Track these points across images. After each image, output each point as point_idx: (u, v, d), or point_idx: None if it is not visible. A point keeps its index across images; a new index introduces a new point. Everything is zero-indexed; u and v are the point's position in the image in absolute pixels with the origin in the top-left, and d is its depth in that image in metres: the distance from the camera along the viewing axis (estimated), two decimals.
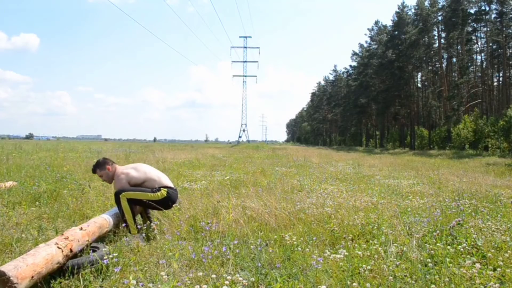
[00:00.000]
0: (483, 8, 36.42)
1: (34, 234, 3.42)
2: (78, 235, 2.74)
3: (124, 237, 3.14)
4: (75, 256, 2.63)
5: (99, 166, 3.72)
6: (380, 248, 2.83)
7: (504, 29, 33.55)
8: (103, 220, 3.29)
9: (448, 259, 2.61)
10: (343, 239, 3.21)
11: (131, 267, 2.60)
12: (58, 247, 2.44)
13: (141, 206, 3.68)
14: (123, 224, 3.38)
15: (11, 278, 1.99)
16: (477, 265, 2.37)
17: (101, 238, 3.25)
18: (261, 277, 2.39)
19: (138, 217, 3.80)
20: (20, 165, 9.12)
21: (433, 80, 42.90)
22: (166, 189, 3.65)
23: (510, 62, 35.39)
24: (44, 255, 2.29)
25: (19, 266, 2.09)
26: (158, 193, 3.59)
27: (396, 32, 41.95)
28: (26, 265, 2.12)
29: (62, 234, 2.67)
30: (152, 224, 3.46)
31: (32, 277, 2.14)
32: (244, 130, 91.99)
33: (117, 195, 3.48)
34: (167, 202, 3.65)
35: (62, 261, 2.44)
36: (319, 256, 2.65)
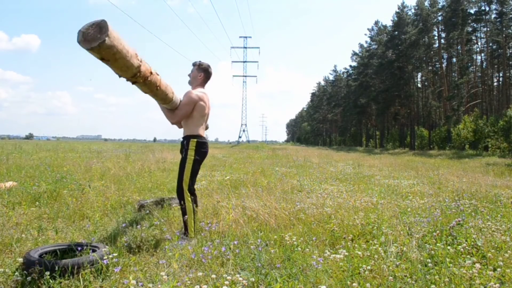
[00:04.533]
0: (483, 8, 36.44)
1: (34, 234, 3.42)
2: (154, 80, 2.88)
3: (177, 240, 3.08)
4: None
5: (200, 66, 3.57)
6: (380, 248, 2.83)
7: (504, 29, 33.58)
8: (172, 92, 3.29)
9: (448, 259, 2.61)
10: (343, 239, 3.21)
11: (131, 267, 2.60)
12: (136, 74, 2.61)
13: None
14: (177, 232, 3.28)
15: (105, 42, 2.12)
16: (477, 265, 2.37)
17: None
18: (261, 277, 2.39)
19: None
20: (20, 165, 9.12)
21: (433, 80, 42.91)
22: (195, 140, 3.47)
23: (510, 62, 35.41)
24: (128, 64, 2.45)
25: (113, 44, 2.20)
26: (190, 151, 3.44)
27: (396, 32, 41.97)
28: (113, 52, 2.26)
29: (151, 73, 2.79)
30: (202, 224, 3.46)
31: (117, 47, 2.26)
32: (244, 130, 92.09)
33: (181, 193, 3.37)
34: (202, 152, 3.51)
35: (136, 69, 2.58)
36: (319, 256, 2.65)
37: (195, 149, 3.46)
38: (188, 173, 3.43)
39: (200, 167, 3.65)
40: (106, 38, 2.13)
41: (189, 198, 3.38)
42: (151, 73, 2.80)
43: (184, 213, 3.36)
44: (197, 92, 3.49)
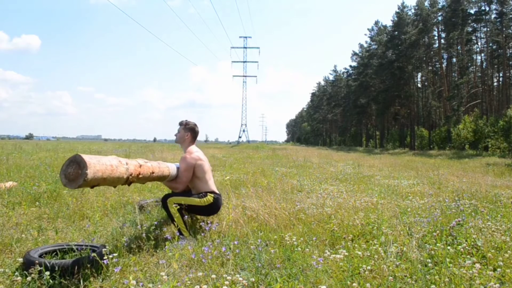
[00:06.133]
0: (483, 8, 36.45)
1: (34, 234, 3.42)
2: (146, 171, 2.94)
3: (177, 241, 3.08)
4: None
5: (187, 126, 3.66)
6: (380, 248, 2.83)
7: (504, 29, 33.58)
8: (166, 168, 3.36)
9: (448, 259, 2.61)
10: (343, 239, 3.21)
11: (131, 267, 2.60)
12: (128, 177, 2.65)
13: (187, 212, 3.57)
14: (177, 233, 3.32)
15: (87, 176, 2.15)
16: (477, 265, 2.37)
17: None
18: (261, 277, 2.39)
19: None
20: (20, 165, 9.12)
21: (433, 80, 42.91)
22: (212, 195, 3.53)
23: (510, 62, 35.40)
24: (117, 175, 2.48)
25: (96, 171, 2.24)
26: (205, 199, 3.48)
27: (396, 32, 41.94)
28: (101, 177, 2.29)
29: (140, 166, 2.85)
30: (202, 224, 3.47)
31: (101, 170, 2.31)
32: (244, 130, 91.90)
33: (164, 201, 3.41)
34: (213, 208, 3.55)
35: (126, 175, 2.62)
36: (319, 256, 2.65)
37: (212, 202, 3.50)
38: (185, 201, 3.42)
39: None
40: (88, 171, 2.16)
41: (172, 203, 3.38)
42: (140, 166, 2.82)
43: (171, 218, 3.38)
44: (192, 154, 3.55)
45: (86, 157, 2.19)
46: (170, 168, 3.45)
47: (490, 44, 36.78)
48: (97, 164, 2.25)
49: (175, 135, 3.73)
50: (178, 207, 3.36)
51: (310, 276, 2.38)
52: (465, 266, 2.41)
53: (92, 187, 2.36)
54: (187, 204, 3.43)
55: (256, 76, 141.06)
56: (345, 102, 60.48)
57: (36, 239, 3.28)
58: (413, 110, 42.75)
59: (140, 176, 2.83)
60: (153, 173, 3.05)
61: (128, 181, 2.68)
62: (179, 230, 3.35)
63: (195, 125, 3.73)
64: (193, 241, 3.18)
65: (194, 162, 3.51)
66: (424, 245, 3.01)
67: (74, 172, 2.19)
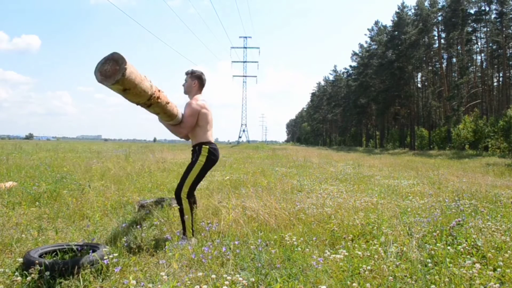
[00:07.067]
0: (483, 8, 36.47)
1: (34, 234, 3.42)
2: (163, 98, 2.99)
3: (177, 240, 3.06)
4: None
5: (193, 74, 3.61)
6: (380, 248, 2.83)
7: (504, 29, 33.60)
8: (176, 107, 3.37)
9: (448, 259, 2.61)
10: (343, 239, 3.21)
11: (131, 267, 2.60)
12: (152, 95, 2.72)
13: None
14: (177, 232, 3.29)
15: (126, 70, 2.21)
16: (477, 265, 2.37)
17: None
18: (261, 277, 2.39)
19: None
20: (20, 165, 9.12)
21: (433, 80, 42.91)
22: (207, 146, 3.51)
23: (510, 62, 35.41)
24: (144, 87, 2.55)
25: (131, 72, 2.32)
26: (201, 157, 3.47)
27: (396, 32, 41.95)
28: (134, 81, 2.37)
29: (159, 90, 2.91)
30: (202, 224, 3.46)
31: (135, 73, 2.38)
32: (244, 130, 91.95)
33: (178, 196, 3.39)
34: (213, 159, 3.54)
35: (151, 90, 2.68)
36: (319, 256, 2.65)
37: (207, 155, 3.49)
38: (192, 177, 3.43)
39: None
40: (127, 66, 2.19)
41: (185, 199, 3.38)
42: (159, 91, 2.85)
43: (182, 214, 3.37)
44: (198, 101, 3.52)
45: (123, 56, 2.23)
46: (178, 109, 3.44)
47: (490, 44, 36.80)
48: (131, 67, 2.31)
49: (183, 85, 3.67)
50: (188, 204, 3.35)
51: (310, 276, 2.38)
52: (465, 266, 2.41)
53: (124, 90, 2.37)
54: (196, 176, 3.43)
55: (256, 76, 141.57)
56: (345, 102, 60.48)
57: (36, 239, 3.28)
58: (413, 110, 42.75)
59: (159, 100, 2.85)
60: (168, 103, 3.05)
61: (150, 99, 2.70)
62: (183, 229, 3.34)
63: (202, 73, 3.67)
64: (194, 241, 3.17)
65: (199, 108, 3.47)
66: (424, 245, 3.01)
67: (112, 69, 2.21)
